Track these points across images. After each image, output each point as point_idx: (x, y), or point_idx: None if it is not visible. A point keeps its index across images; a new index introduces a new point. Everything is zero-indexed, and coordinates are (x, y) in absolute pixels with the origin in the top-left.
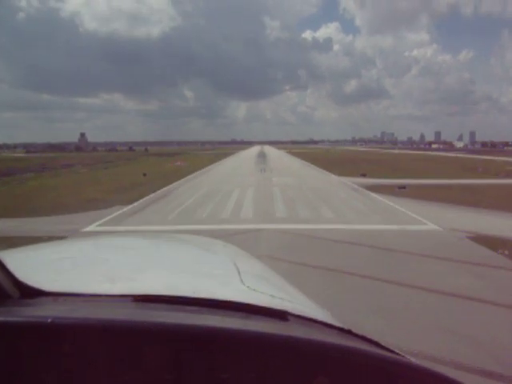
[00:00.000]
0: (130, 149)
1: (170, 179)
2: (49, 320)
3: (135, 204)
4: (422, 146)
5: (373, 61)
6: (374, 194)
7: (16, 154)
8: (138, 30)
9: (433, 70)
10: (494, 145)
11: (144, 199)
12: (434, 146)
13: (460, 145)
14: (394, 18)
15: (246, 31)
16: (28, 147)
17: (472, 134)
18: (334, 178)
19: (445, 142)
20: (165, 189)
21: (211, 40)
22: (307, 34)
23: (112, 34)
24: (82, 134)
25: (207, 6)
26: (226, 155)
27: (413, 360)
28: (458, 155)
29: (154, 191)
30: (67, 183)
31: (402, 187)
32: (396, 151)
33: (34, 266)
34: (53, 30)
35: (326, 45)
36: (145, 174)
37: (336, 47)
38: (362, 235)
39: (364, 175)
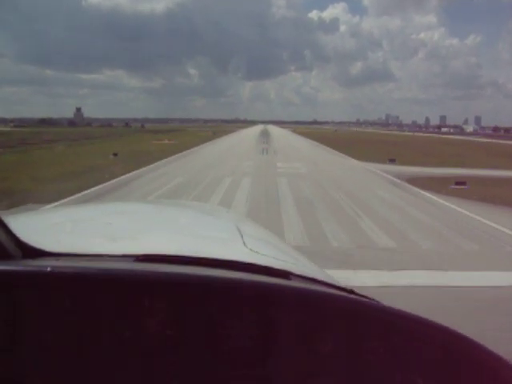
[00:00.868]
0: (126, 125)
1: (142, 162)
2: (48, 269)
3: (56, 204)
4: (431, 129)
5: (379, 43)
6: (428, 194)
7: (2, 128)
8: (142, 5)
9: (439, 54)
10: (507, 130)
11: (77, 195)
12: (443, 129)
13: (469, 129)
14: None
15: (252, 9)
16: (22, 122)
17: (477, 119)
18: (356, 163)
19: (455, 126)
20: (123, 177)
21: (216, 17)
22: (314, 14)
23: (115, 8)
24: (78, 109)
25: None
26: (226, 133)
27: (416, 314)
28: (476, 139)
29: (104, 181)
30: (16, 162)
31: (461, 183)
32: (409, 133)
33: (37, 229)
34: (55, 2)
35: (332, 25)
36: (115, 154)
37: (343, 28)
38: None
39: (393, 161)
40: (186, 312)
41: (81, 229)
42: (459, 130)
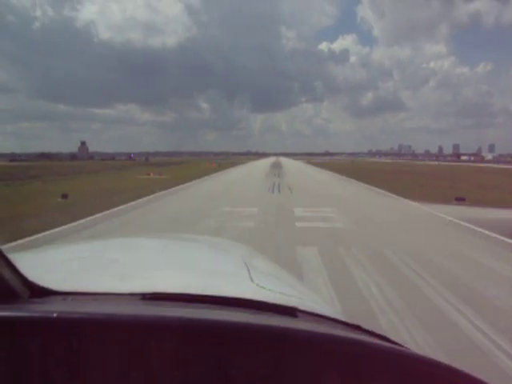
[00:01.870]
0: (130, 158)
1: (91, 208)
2: (54, 315)
3: None
4: (449, 158)
5: (389, 72)
6: None
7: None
8: (153, 39)
9: (450, 83)
10: None
11: None
12: (463, 157)
13: (489, 157)
14: (413, 28)
15: (263, 42)
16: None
17: (491, 147)
18: (414, 206)
19: (474, 154)
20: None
21: (227, 50)
22: (324, 46)
23: (127, 43)
24: (83, 143)
25: (223, 15)
26: (233, 164)
27: (423, 354)
28: (506, 167)
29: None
30: None
31: None
32: (433, 163)
33: (44, 267)
34: (68, 39)
35: (342, 56)
36: (65, 196)
37: (353, 59)
38: None
39: (461, 200)
40: (191, 356)
41: (87, 266)
42: (479, 157)
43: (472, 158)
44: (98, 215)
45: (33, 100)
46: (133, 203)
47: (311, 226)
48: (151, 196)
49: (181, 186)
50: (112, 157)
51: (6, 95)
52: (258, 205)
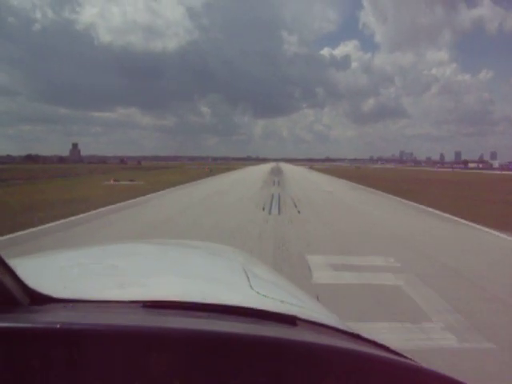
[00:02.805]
0: (122, 161)
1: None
2: (57, 326)
3: None
4: (456, 165)
5: (391, 79)
6: None
7: None
8: (154, 43)
9: (452, 90)
10: None
11: None
12: (471, 165)
13: (495, 164)
14: (415, 34)
15: (264, 47)
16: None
17: (493, 154)
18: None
19: (482, 161)
20: None
21: (228, 55)
22: (325, 51)
23: (127, 47)
24: (74, 145)
25: (225, 20)
26: (229, 170)
27: (423, 365)
28: None
29: None
30: None
31: None
32: (446, 170)
33: (44, 274)
34: (68, 42)
35: (344, 62)
36: None
37: (354, 65)
38: None
39: None
40: (192, 367)
41: (88, 273)
42: (487, 165)
43: (480, 166)
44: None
45: (33, 103)
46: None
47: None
48: (108, 208)
49: (141, 198)
50: (103, 160)
51: (7, 98)
52: (240, 242)
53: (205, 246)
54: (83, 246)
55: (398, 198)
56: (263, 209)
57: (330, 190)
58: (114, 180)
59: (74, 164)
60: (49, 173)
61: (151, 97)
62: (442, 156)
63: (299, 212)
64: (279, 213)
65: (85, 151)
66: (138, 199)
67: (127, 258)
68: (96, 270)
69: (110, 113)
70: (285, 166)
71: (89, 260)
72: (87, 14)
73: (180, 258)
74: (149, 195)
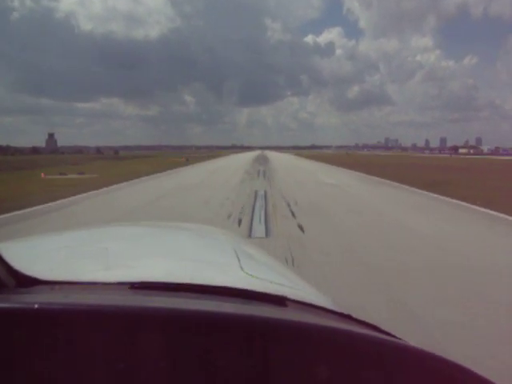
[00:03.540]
0: (98, 151)
1: None
2: (35, 306)
3: None
4: (447, 151)
5: (376, 66)
6: None
7: None
8: (136, 31)
9: (436, 76)
10: None
11: None
12: (462, 150)
13: (485, 150)
14: (399, 20)
15: (247, 34)
16: None
17: (478, 140)
18: None
19: (473, 147)
20: None
21: (211, 43)
22: (309, 38)
23: (109, 35)
24: (51, 135)
25: (207, 6)
26: (211, 158)
27: (414, 344)
28: None
29: None
30: None
31: None
32: (444, 155)
33: (31, 256)
34: (48, 30)
35: (328, 49)
36: None
37: (339, 52)
38: None
39: None
40: (178, 347)
41: (74, 255)
42: (478, 150)
43: (472, 151)
44: None
45: (13, 93)
46: None
47: None
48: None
49: (71, 198)
50: (80, 150)
51: None
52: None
53: (196, 227)
54: (70, 228)
55: (458, 202)
56: (239, 222)
57: (332, 182)
58: (61, 173)
59: (45, 155)
60: (4, 165)
61: (134, 86)
62: (427, 142)
63: (302, 230)
64: (267, 234)
65: (67, 142)
66: (55, 203)
67: (115, 240)
68: (83, 252)
69: (93, 103)
70: (270, 154)
71: (76, 243)
72: (67, 2)
73: (169, 239)
74: (80, 195)
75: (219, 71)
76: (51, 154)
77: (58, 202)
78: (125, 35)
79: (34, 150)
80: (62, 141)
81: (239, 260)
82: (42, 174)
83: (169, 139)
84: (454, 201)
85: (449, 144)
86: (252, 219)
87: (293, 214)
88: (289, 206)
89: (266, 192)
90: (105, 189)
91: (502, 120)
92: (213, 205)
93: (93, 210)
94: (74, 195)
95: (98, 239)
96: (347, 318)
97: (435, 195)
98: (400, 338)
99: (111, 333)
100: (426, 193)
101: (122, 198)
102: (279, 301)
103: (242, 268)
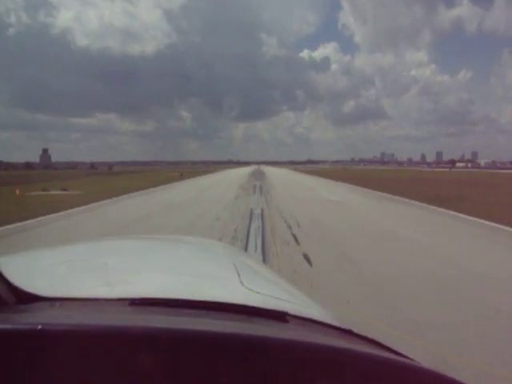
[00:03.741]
0: (92, 167)
1: None
2: (39, 327)
3: None
4: (443, 165)
5: (371, 80)
6: None
7: None
8: (132, 47)
9: (431, 91)
10: None
11: None
12: (459, 164)
13: (482, 163)
14: (394, 35)
15: (243, 49)
16: None
17: (474, 154)
18: None
19: (471, 161)
20: None
21: (207, 58)
22: (305, 54)
23: (105, 51)
24: (45, 151)
25: (203, 22)
26: (205, 173)
27: (415, 362)
28: None
29: None
30: None
31: None
32: (442, 170)
33: (31, 272)
34: (44, 46)
35: (323, 64)
36: None
37: (334, 66)
38: None
39: None
40: (180, 367)
41: (75, 270)
42: (476, 164)
43: (469, 165)
44: None
45: (10, 109)
46: None
47: None
48: None
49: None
50: (74, 166)
51: None
52: None
53: (195, 241)
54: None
55: (483, 221)
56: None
57: (335, 199)
58: (43, 190)
59: (38, 170)
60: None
61: (130, 102)
62: (423, 156)
63: (310, 264)
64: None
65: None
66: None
67: (115, 255)
68: (84, 267)
69: (89, 118)
70: (267, 169)
71: (76, 257)
72: (63, 18)
73: (169, 254)
74: (49, 216)
75: (215, 86)
76: (44, 169)
77: (12, 225)
78: (121, 51)
79: (28, 166)
80: (57, 156)
81: (239, 274)
82: (17, 191)
83: (165, 154)
84: (478, 219)
85: (445, 158)
86: (247, 246)
87: (295, 239)
88: (289, 228)
89: (262, 210)
90: (82, 207)
91: (497, 134)
92: (200, 227)
93: (48, 237)
94: (42, 215)
95: (98, 253)
96: (348, 333)
97: (454, 212)
98: (401, 353)
99: (113, 354)
100: (445, 211)
101: (95, 220)
102: (281, 317)
103: (242, 283)
